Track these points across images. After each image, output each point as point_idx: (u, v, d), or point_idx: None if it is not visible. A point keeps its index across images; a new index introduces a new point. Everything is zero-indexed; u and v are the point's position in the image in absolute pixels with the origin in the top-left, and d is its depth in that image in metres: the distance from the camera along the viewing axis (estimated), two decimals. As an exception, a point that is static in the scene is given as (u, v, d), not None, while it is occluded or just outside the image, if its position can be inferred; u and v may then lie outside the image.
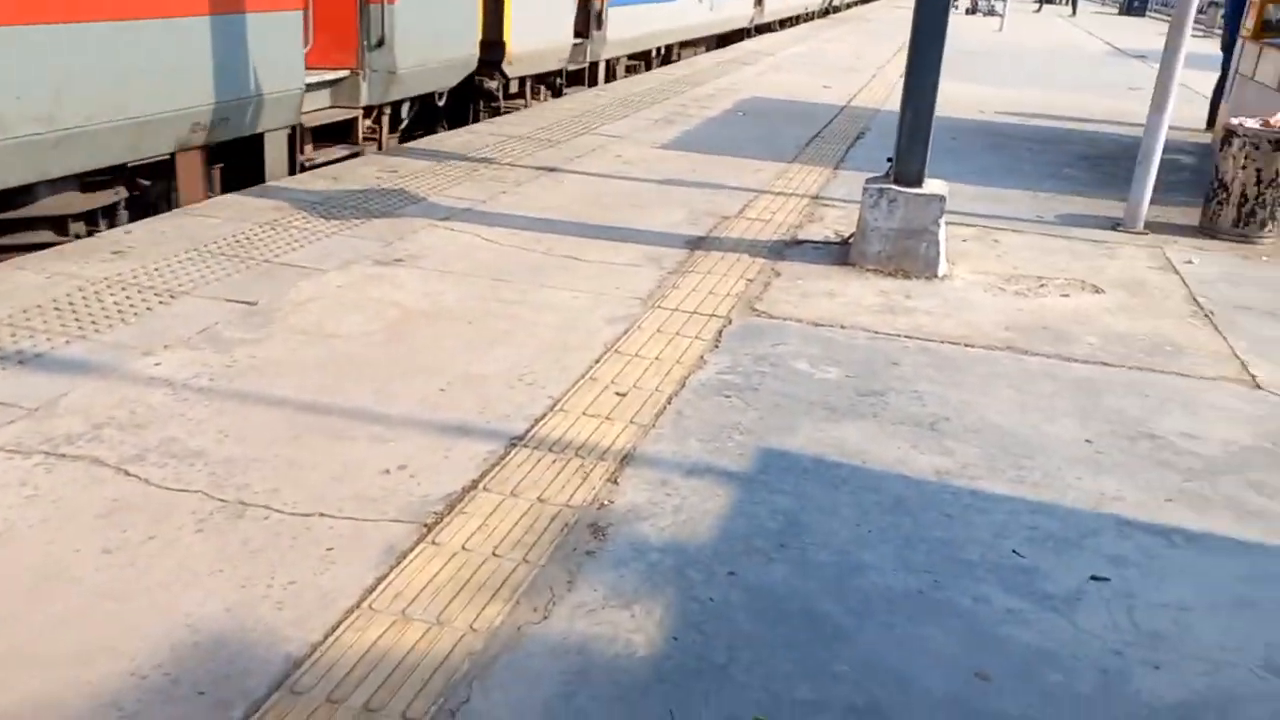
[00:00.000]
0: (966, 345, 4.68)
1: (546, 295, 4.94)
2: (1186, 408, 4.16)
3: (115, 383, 3.62)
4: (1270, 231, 6.81)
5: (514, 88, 10.91)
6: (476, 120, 10.46)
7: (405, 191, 6.68)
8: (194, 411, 3.46)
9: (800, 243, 6.18)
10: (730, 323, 4.76)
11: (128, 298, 4.42)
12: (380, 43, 7.72)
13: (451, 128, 9.65)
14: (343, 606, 2.54)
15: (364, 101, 7.82)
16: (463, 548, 2.82)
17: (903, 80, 5.64)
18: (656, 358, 4.27)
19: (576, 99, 11.41)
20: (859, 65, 16.67)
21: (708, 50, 18.74)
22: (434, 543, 2.83)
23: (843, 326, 4.81)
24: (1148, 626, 2.72)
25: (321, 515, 2.92)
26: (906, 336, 4.74)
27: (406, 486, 3.11)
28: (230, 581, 2.60)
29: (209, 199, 6.27)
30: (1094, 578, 2.93)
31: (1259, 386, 4.45)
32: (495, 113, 10.69)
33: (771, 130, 10.05)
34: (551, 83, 11.91)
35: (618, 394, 3.90)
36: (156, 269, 4.81)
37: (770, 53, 17.82)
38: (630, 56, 14.82)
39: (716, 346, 4.45)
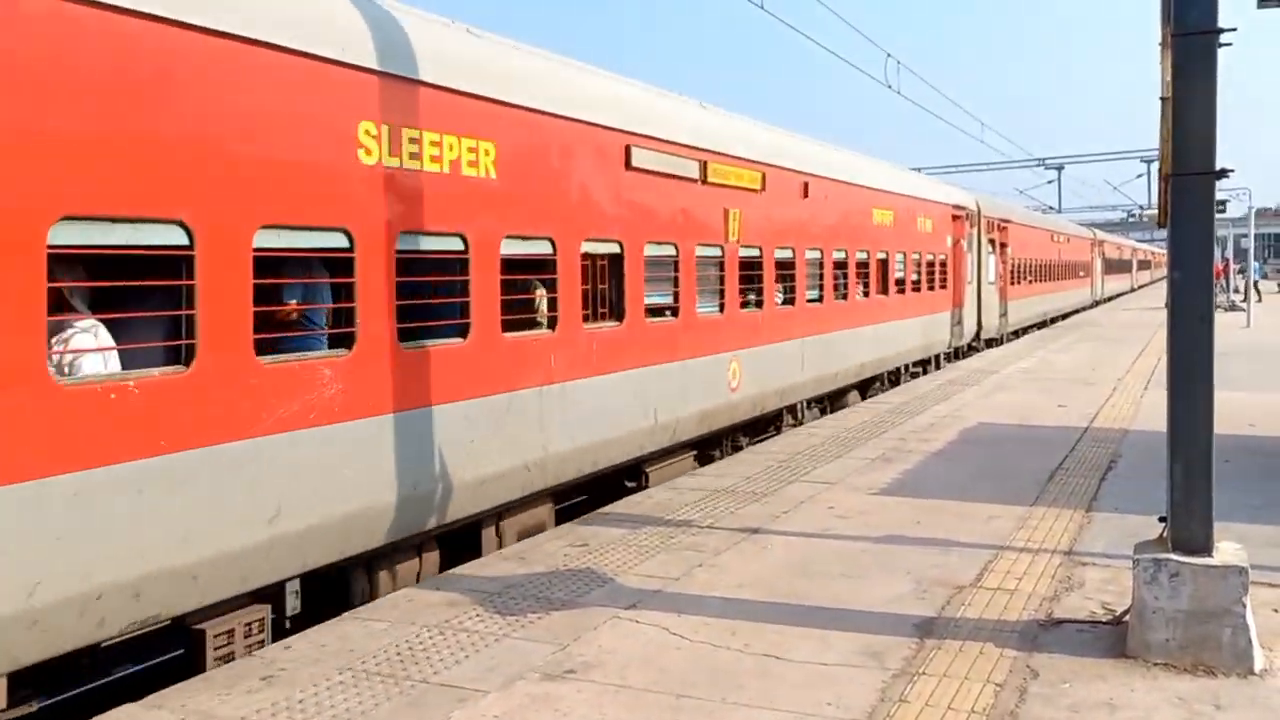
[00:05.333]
0: (1327, 798, 3.34)
1: (739, 721, 4.02)
2: None
3: None
4: None
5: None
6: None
7: (592, 571, 6.06)
8: None
9: (1058, 623, 5.01)
10: (978, 761, 3.65)
11: (255, 747, 3.86)
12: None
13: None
14: None
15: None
16: None
17: (1166, 427, 4.65)
18: (881, 828, 3.22)
19: (787, 440, 10.84)
20: (1094, 377, 15.45)
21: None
22: None
23: (1136, 765, 3.59)
24: None
25: None
26: (1232, 782, 3.45)
27: None
28: None
29: (386, 595, 5.88)
30: None
31: None
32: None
33: (1003, 463, 9.00)
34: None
35: None
36: (300, 701, 4.27)
37: (993, 370, 16.94)
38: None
39: (962, 807, 3.34)
